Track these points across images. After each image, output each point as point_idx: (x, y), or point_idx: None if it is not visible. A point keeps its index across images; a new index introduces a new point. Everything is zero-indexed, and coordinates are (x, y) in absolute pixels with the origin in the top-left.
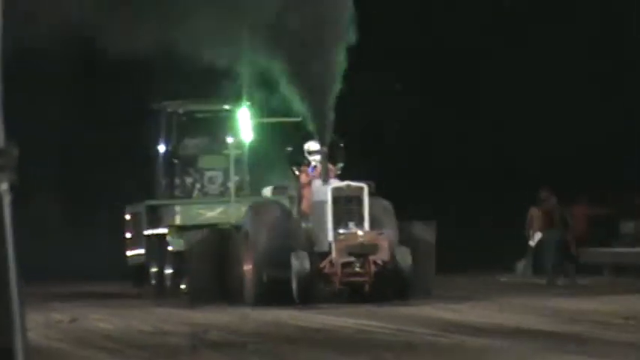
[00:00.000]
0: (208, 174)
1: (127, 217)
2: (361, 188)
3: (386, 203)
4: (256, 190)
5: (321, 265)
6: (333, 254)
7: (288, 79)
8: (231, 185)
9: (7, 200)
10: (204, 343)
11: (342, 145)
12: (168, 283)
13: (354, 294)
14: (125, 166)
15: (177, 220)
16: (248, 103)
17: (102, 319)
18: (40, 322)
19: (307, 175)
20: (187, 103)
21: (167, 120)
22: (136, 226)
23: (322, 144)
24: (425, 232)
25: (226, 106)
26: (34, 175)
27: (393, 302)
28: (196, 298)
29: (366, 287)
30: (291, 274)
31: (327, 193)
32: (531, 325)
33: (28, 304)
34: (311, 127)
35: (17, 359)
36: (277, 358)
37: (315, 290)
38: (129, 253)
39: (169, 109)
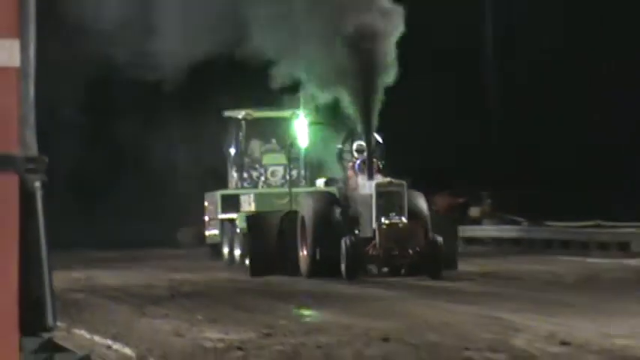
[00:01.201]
0: (271, 169)
1: (206, 203)
2: (402, 184)
3: (420, 196)
4: (312, 183)
5: (367, 249)
6: (378, 240)
7: (342, 89)
8: (288, 178)
9: (39, 195)
10: (180, 294)
11: (383, 144)
12: (237, 259)
13: (393, 273)
14: (205, 162)
15: (253, 207)
16: (303, 111)
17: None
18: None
19: (354, 170)
20: (253, 112)
21: (237, 125)
22: (213, 211)
23: (367, 144)
24: (446, 219)
25: (285, 114)
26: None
27: (423, 279)
28: (256, 270)
29: (403, 269)
30: (339, 254)
31: (371, 187)
32: None
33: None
34: (359, 128)
35: (46, 304)
36: (219, 302)
37: (360, 269)
38: (207, 232)
39: (239, 117)
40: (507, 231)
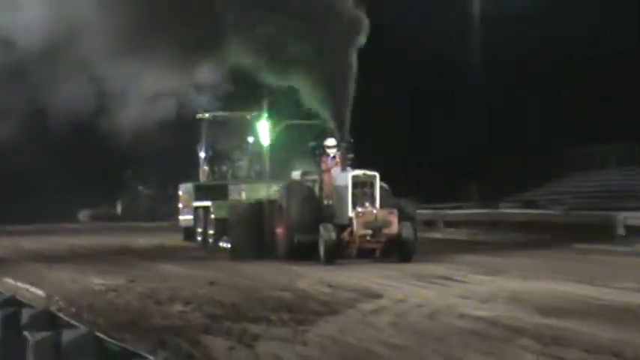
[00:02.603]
0: (237, 163)
1: (180, 192)
2: (374, 176)
3: (386, 187)
4: (275, 177)
5: (342, 235)
6: (354, 227)
7: (312, 88)
8: (266, 171)
9: None
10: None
11: (352, 140)
12: (210, 240)
13: (366, 257)
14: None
15: (243, 196)
16: (266, 113)
17: None
18: None
19: (327, 164)
20: (221, 114)
21: (207, 125)
22: (187, 199)
23: (341, 139)
24: (410, 207)
25: (248, 116)
26: None
27: (395, 262)
28: (236, 254)
29: (377, 253)
30: (315, 239)
31: (347, 178)
32: None
33: None
34: (331, 125)
35: None
36: (103, 261)
37: (337, 253)
38: (180, 217)
39: (209, 117)
40: None
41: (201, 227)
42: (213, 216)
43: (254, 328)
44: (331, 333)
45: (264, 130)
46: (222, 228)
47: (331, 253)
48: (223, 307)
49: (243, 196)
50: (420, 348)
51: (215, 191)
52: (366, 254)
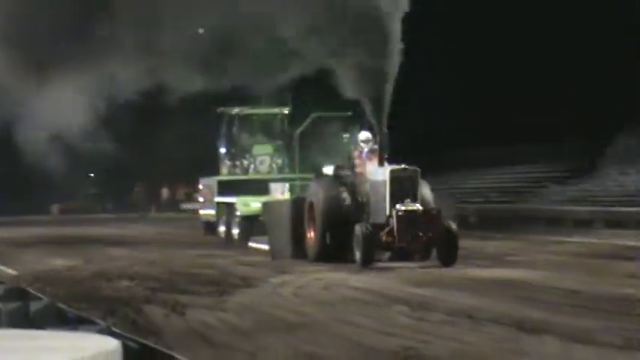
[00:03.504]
0: (259, 158)
1: (201, 186)
2: (415, 171)
3: (426, 183)
4: (304, 172)
5: (379, 235)
6: (395, 227)
7: (352, 80)
8: (296, 166)
9: None
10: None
11: (387, 134)
12: (235, 238)
13: (405, 260)
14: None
15: (287, 195)
16: (290, 107)
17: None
18: None
19: (362, 158)
20: (243, 109)
21: (229, 120)
22: (208, 194)
23: (380, 133)
24: (447, 204)
25: (273, 111)
26: None
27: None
28: (277, 254)
29: (417, 256)
30: (349, 239)
31: (385, 174)
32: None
33: None
34: (369, 117)
35: None
36: (62, 246)
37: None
38: (201, 212)
39: (232, 112)
40: None
41: (224, 223)
42: (238, 213)
43: (185, 299)
44: (246, 302)
45: (287, 125)
46: (250, 226)
47: (368, 255)
48: (160, 282)
49: (286, 194)
50: (317, 313)
51: (240, 187)
52: (404, 257)
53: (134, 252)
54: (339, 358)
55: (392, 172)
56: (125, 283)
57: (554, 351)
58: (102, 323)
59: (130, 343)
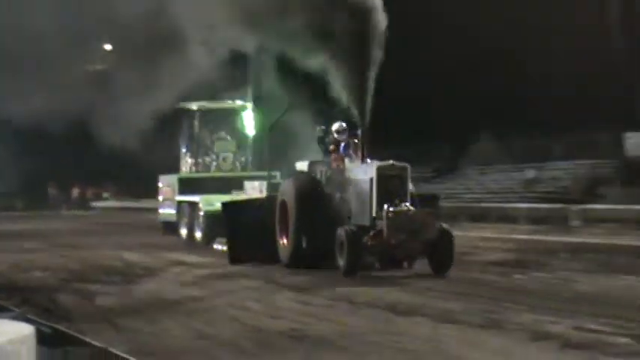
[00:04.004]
0: (222, 155)
1: (160, 184)
2: (405, 167)
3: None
4: (261, 169)
5: (365, 239)
6: (385, 230)
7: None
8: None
9: None
10: None
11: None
12: (198, 239)
13: (394, 268)
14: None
15: (264, 193)
16: (251, 104)
17: None
18: None
19: (338, 153)
20: (205, 104)
21: (191, 116)
22: (169, 192)
23: (361, 126)
24: (435, 203)
25: (234, 105)
26: None
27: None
28: (236, 258)
29: (406, 263)
30: (326, 244)
31: (371, 171)
32: None
33: None
34: (353, 111)
35: None
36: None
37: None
38: (161, 211)
39: (193, 108)
40: None
41: (185, 223)
42: (202, 212)
43: (93, 287)
44: (150, 289)
45: (250, 120)
46: (214, 227)
47: (355, 262)
48: (71, 272)
49: (264, 193)
50: (211, 297)
51: (202, 184)
52: (393, 264)
53: (48, 245)
54: (231, 337)
55: (380, 169)
56: (38, 273)
57: (425, 330)
58: (17, 310)
59: (44, 328)
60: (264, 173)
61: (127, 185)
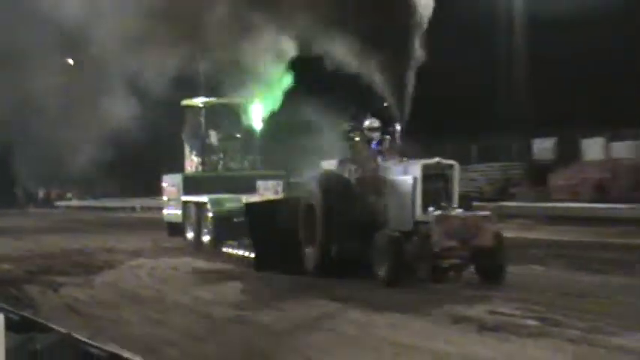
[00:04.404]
0: (230, 153)
1: (164, 184)
2: (452, 166)
3: None
4: (269, 168)
5: (407, 247)
6: (434, 236)
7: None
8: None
9: None
10: None
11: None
12: (205, 241)
13: (441, 281)
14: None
15: (273, 195)
16: (258, 99)
17: None
18: None
19: (369, 151)
20: (212, 100)
21: (196, 113)
22: (174, 192)
23: (400, 123)
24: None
25: (241, 102)
26: None
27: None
28: (261, 265)
29: (453, 273)
30: (359, 250)
31: (415, 170)
32: None
33: None
34: (393, 108)
35: None
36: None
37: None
38: (165, 211)
39: (199, 104)
40: None
41: (192, 225)
42: (210, 214)
43: (59, 279)
44: (110, 280)
45: (256, 119)
46: (223, 229)
47: (398, 272)
48: (38, 265)
49: (280, 193)
50: (165, 288)
51: (209, 184)
52: (440, 273)
53: (16, 241)
54: (180, 324)
55: (425, 167)
56: (6, 266)
57: (357, 316)
58: None
59: (12, 315)
60: (276, 173)
61: (88, 186)
